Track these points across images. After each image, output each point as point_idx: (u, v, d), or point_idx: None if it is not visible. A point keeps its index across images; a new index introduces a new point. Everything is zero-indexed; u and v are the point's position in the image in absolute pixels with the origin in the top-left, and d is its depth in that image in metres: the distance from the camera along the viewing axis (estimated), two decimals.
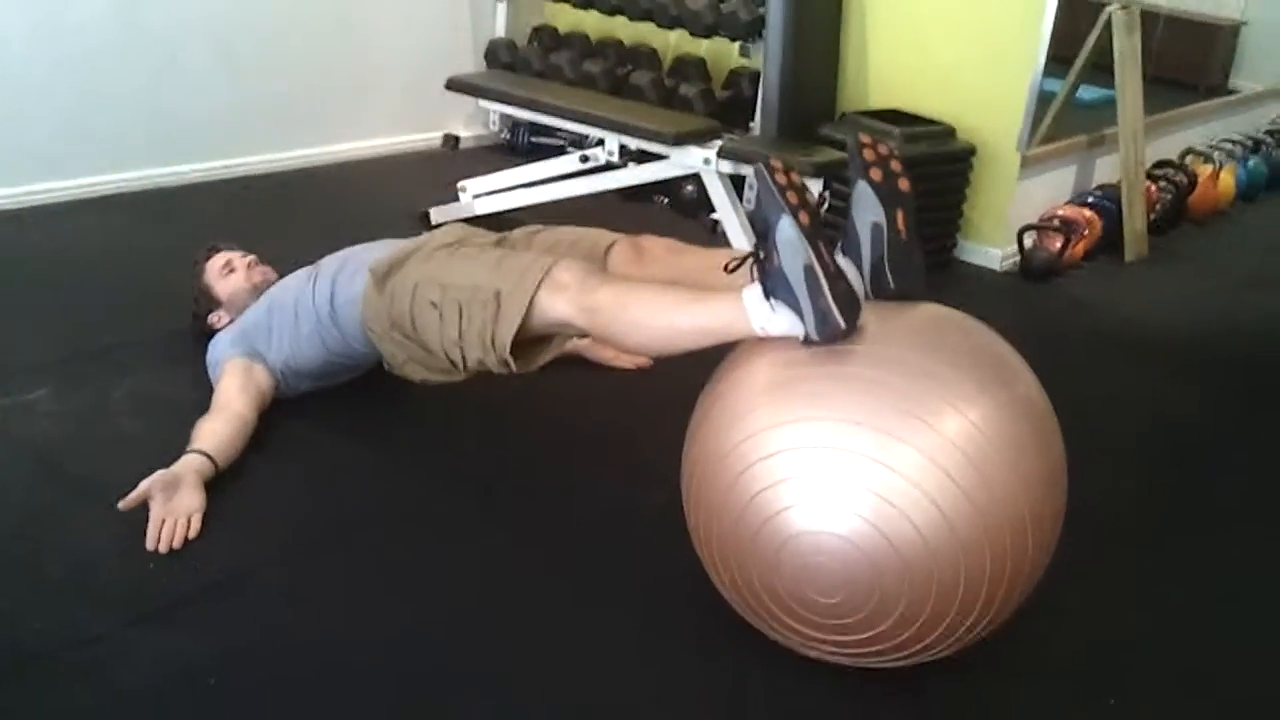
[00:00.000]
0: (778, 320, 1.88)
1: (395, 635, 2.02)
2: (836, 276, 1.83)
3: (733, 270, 2.04)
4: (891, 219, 1.93)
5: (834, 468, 1.75)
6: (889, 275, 1.94)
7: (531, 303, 2.17)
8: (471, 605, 2.13)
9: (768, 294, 1.89)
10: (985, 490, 1.73)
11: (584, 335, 2.33)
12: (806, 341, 1.85)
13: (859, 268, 1.96)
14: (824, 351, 1.83)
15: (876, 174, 1.94)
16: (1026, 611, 1.91)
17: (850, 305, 1.83)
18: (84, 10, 3.88)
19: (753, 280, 1.92)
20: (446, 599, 2.14)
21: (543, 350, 2.34)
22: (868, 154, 1.95)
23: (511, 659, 1.99)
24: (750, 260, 1.94)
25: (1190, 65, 6.81)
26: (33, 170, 3.90)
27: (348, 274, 2.59)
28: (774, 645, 1.97)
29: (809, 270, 1.81)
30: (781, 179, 1.86)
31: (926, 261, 3.98)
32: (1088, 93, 4.81)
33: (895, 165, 1.97)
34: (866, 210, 1.94)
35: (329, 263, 2.69)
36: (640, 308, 2.09)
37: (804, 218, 1.83)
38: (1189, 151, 5.33)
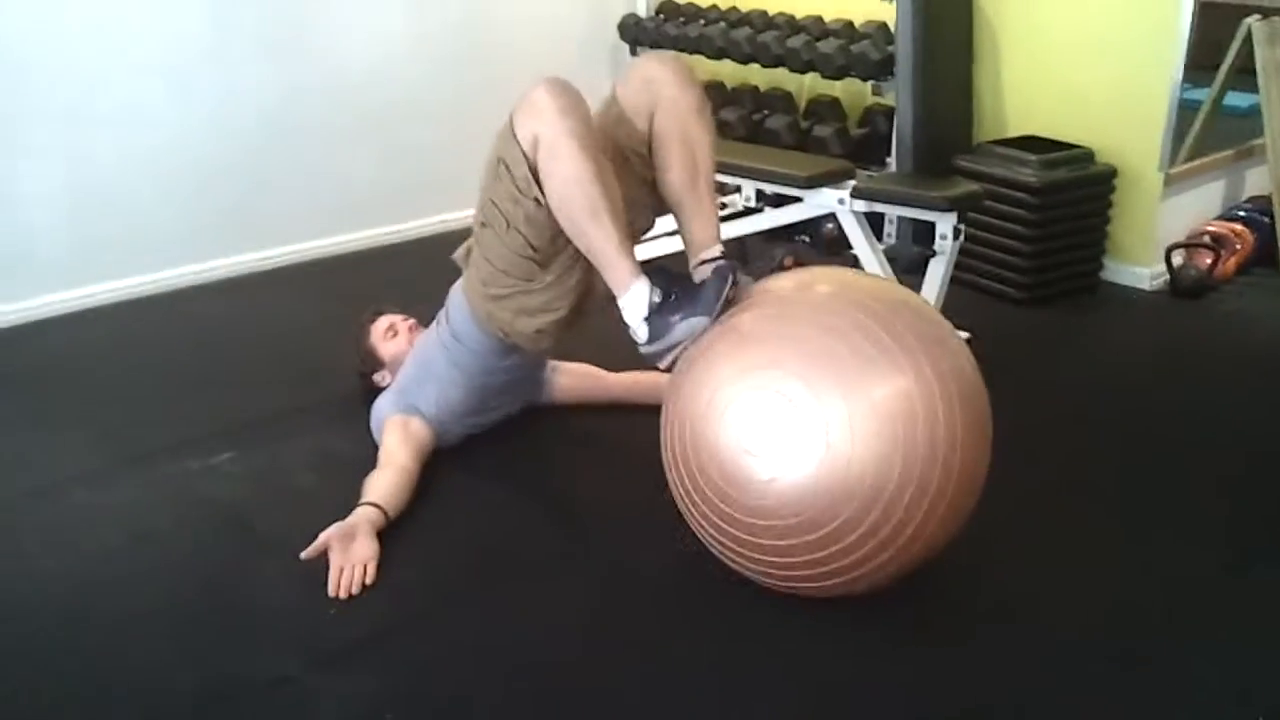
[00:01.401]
0: (637, 325, 2.34)
1: (561, 673, 2.14)
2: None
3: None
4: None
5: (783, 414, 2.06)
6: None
7: (514, 132, 2.42)
8: (630, 638, 2.24)
9: (649, 315, 2.31)
10: (901, 435, 2.02)
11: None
12: (639, 346, 2.35)
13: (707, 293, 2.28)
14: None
15: None
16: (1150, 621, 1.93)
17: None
18: (248, 97, 4.19)
19: (653, 287, 2.33)
20: (604, 633, 2.25)
21: None
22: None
23: (667, 684, 2.10)
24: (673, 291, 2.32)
25: None
26: (208, 247, 4.20)
27: (452, 295, 2.86)
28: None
29: (679, 347, 2.28)
30: (733, 293, 2.24)
31: (1072, 285, 4.07)
32: (1241, 99, 4.69)
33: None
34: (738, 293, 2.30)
35: (443, 310, 2.92)
36: (580, 198, 2.36)
37: (714, 324, 2.23)
38: None
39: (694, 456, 2.17)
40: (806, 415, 2.02)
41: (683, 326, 2.24)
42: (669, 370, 2.32)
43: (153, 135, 3.98)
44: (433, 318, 3.02)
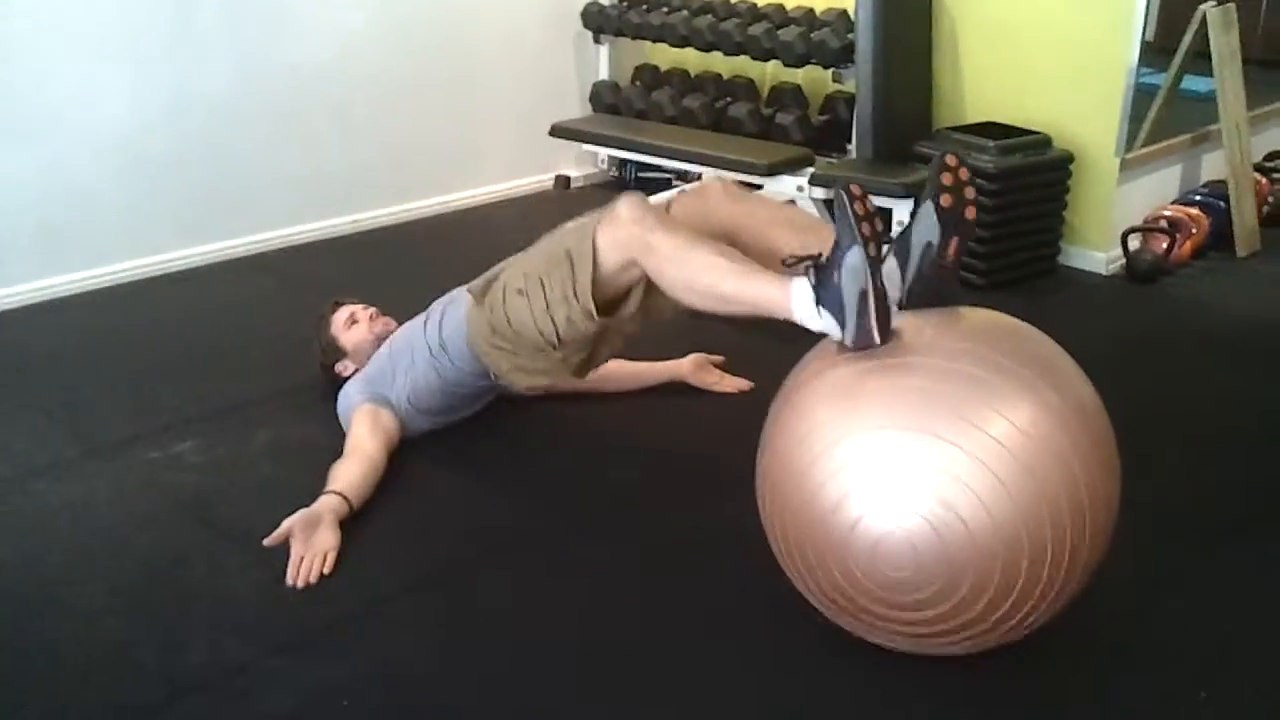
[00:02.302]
0: (819, 322, 2.05)
1: (519, 661, 2.16)
2: (882, 297, 1.97)
3: (791, 266, 2.15)
4: (944, 244, 2.05)
5: (895, 473, 1.89)
6: (921, 292, 2.07)
7: (595, 244, 2.38)
8: (587, 627, 2.27)
9: (818, 300, 2.03)
10: (1032, 486, 1.85)
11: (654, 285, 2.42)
12: (840, 346, 2.02)
13: (902, 273, 2.07)
14: (885, 363, 1.96)
15: (947, 199, 2.06)
16: (1119, 605, 1.98)
17: (887, 322, 1.97)
18: (210, 84, 4.18)
19: (807, 275, 2.06)
20: (565, 623, 2.28)
21: (625, 302, 2.51)
22: (946, 177, 2.06)
23: (620, 677, 2.13)
24: (809, 265, 2.06)
25: None
26: (166, 238, 4.19)
27: (453, 305, 2.82)
28: (855, 642, 2.09)
29: (863, 295, 1.96)
30: (860, 208, 1.98)
31: (1030, 269, 4.08)
32: (1199, 83, 4.74)
33: (969, 192, 2.09)
34: (926, 228, 2.06)
35: (437, 304, 2.90)
36: (695, 264, 2.26)
37: (872, 249, 1.96)
38: None
39: (808, 540, 2.00)
40: (931, 472, 1.87)
41: (846, 276, 1.96)
42: (880, 346, 1.98)
43: (113, 126, 3.98)
44: (396, 311, 3.04)
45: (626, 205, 2.37)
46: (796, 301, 2.07)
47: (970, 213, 2.08)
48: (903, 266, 2.06)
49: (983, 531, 1.85)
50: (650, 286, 2.44)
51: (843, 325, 1.99)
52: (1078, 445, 1.91)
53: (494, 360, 2.70)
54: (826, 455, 1.95)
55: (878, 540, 1.89)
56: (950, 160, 2.08)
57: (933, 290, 2.07)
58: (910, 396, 1.92)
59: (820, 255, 2.04)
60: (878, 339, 1.96)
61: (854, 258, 1.96)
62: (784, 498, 2.03)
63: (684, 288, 2.30)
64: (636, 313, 2.54)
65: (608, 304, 2.47)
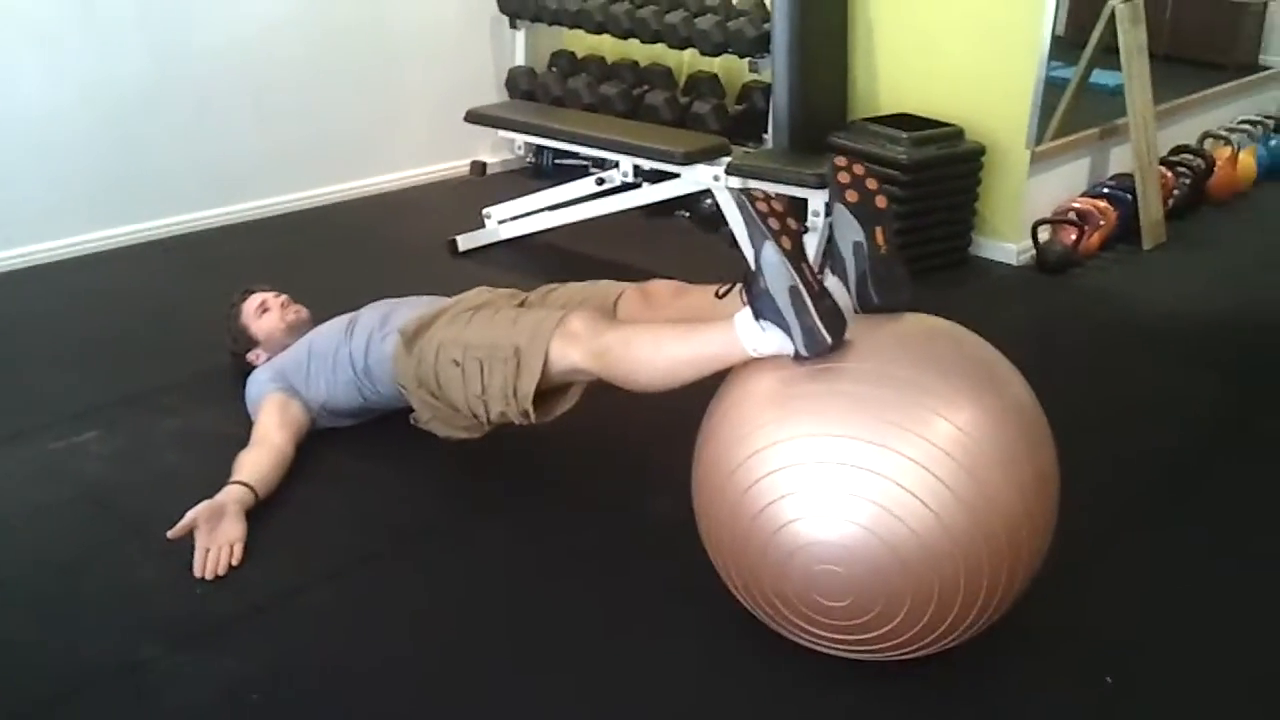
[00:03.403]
0: (768, 340, 1.98)
1: (431, 654, 2.15)
2: (821, 295, 1.94)
3: (724, 296, 2.17)
4: (870, 236, 2.06)
5: (832, 480, 1.85)
6: (873, 290, 2.06)
7: (547, 354, 2.35)
8: (501, 620, 2.25)
9: (757, 315, 1.99)
10: (977, 491, 1.83)
11: (597, 380, 2.42)
12: (797, 358, 1.96)
13: (846, 285, 2.07)
14: (818, 369, 1.94)
15: (853, 195, 2.08)
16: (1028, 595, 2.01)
17: (836, 321, 1.93)
18: (124, 67, 4.08)
19: (744, 304, 2.03)
20: (479, 614, 2.27)
21: (560, 400, 2.51)
22: (842, 177, 2.09)
23: (539, 671, 2.12)
24: (740, 286, 2.05)
25: (1215, 44, 6.77)
26: (77, 221, 4.09)
27: (381, 334, 2.75)
28: (785, 643, 2.08)
29: (794, 291, 1.92)
30: (763, 207, 1.99)
31: (942, 260, 4.10)
32: (1108, 78, 4.80)
33: (871, 184, 2.11)
34: (847, 230, 2.07)
35: (366, 319, 2.84)
36: (642, 345, 2.24)
37: (785, 242, 1.95)
38: (1206, 135, 5.35)
39: (739, 549, 1.99)
40: (864, 484, 1.83)
41: (770, 276, 1.93)
42: (835, 347, 1.92)
43: (22, 106, 3.87)
44: (310, 297, 2.98)
45: (579, 318, 2.36)
46: (742, 331, 2.02)
47: (881, 201, 2.09)
48: (842, 274, 2.06)
49: (935, 542, 1.83)
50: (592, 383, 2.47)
51: (789, 332, 1.94)
52: (1019, 454, 1.90)
53: (416, 406, 2.70)
54: (757, 460, 1.92)
55: (807, 545, 1.88)
56: (840, 161, 2.12)
57: (882, 283, 2.06)
58: (842, 401, 1.91)
59: (746, 272, 2.04)
60: (828, 338, 1.91)
61: (769, 253, 1.95)
62: (714, 505, 2.02)
63: (644, 374, 2.25)
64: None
65: (543, 396, 2.44)
